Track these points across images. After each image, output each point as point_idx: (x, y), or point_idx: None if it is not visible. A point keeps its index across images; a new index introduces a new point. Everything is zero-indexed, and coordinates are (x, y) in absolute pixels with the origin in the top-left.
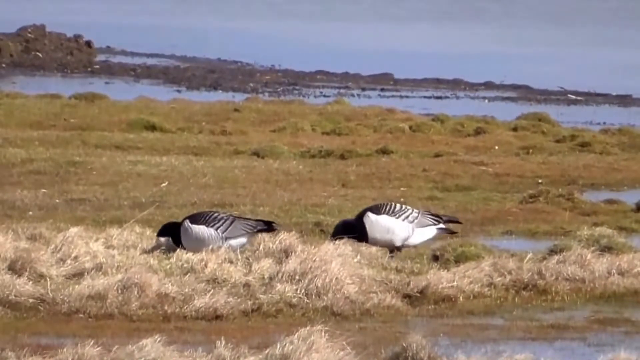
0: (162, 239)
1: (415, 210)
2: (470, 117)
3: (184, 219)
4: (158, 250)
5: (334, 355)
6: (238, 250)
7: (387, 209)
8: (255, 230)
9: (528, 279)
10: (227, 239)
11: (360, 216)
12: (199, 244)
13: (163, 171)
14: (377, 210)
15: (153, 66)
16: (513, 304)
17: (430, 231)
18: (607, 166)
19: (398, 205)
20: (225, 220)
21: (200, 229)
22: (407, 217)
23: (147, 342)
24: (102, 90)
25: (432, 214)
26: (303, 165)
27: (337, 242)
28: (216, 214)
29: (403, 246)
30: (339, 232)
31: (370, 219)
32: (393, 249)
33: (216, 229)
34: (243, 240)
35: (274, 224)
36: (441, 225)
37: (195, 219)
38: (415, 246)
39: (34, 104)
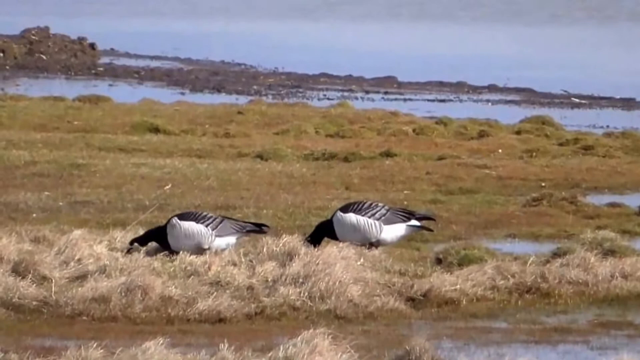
0: (142, 248)
1: (385, 207)
2: (473, 120)
3: (171, 217)
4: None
5: (337, 358)
6: (241, 253)
7: (355, 207)
8: (245, 231)
9: (531, 282)
10: (216, 236)
11: (332, 215)
12: (187, 241)
13: (166, 174)
14: (345, 209)
15: (157, 68)
16: (516, 307)
17: (400, 228)
18: (611, 169)
19: (367, 203)
20: (215, 219)
21: (189, 225)
22: (374, 214)
23: (150, 345)
24: (106, 93)
25: (404, 211)
26: (306, 168)
27: (310, 242)
28: (205, 213)
29: (378, 243)
30: (315, 232)
31: (338, 217)
32: (369, 245)
33: (206, 226)
34: (232, 240)
35: (264, 226)
36: (413, 222)
37: (184, 216)
38: (389, 243)
39: (37, 106)
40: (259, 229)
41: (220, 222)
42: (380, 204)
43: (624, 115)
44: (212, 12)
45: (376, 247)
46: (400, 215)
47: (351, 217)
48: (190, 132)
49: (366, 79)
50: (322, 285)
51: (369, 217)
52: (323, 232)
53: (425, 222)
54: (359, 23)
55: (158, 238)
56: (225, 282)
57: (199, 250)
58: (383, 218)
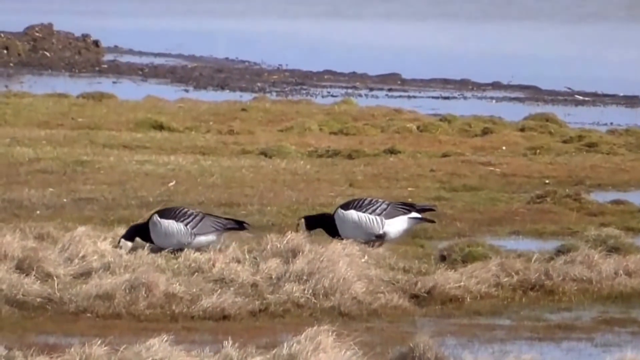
0: (129, 243)
1: (385, 202)
2: (477, 118)
3: (153, 213)
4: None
5: (341, 355)
6: (245, 250)
7: (356, 204)
8: (225, 228)
9: (535, 280)
10: (196, 235)
11: (334, 212)
12: (168, 239)
13: (170, 171)
14: (346, 206)
15: (161, 65)
16: (520, 304)
17: (402, 221)
18: (614, 167)
19: (367, 200)
20: (195, 216)
21: (169, 224)
22: (374, 210)
23: (154, 342)
24: (110, 90)
25: (403, 204)
26: (310, 165)
27: (306, 224)
28: (186, 210)
29: (382, 238)
30: (316, 218)
31: (339, 214)
32: (372, 241)
33: (185, 225)
34: (212, 237)
35: (244, 223)
36: (414, 214)
37: (165, 213)
38: (393, 237)
39: (41, 103)
40: (239, 226)
41: (201, 220)
42: (380, 200)
43: (628, 113)
44: (216, 9)
45: (380, 242)
46: (401, 208)
47: (352, 214)
48: (194, 129)
49: (370, 76)
50: (326, 283)
51: (370, 213)
52: (322, 224)
53: (426, 214)
54: (363, 21)
55: (142, 234)
56: (229, 279)
57: (180, 247)
58: (384, 212)
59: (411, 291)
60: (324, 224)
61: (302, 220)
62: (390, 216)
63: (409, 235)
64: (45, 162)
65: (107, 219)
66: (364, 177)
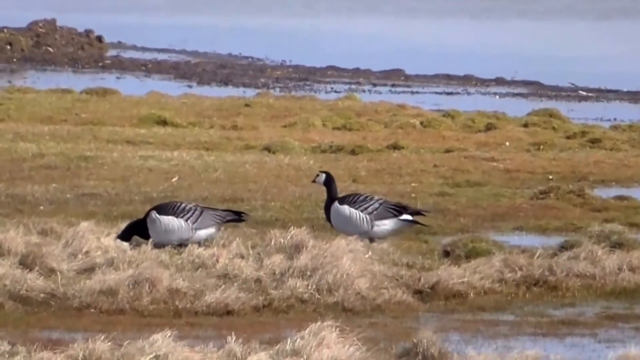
0: (126, 244)
1: (378, 201)
2: (481, 113)
3: (150, 210)
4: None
5: (344, 350)
6: (249, 246)
7: (351, 199)
8: (225, 220)
9: (539, 275)
10: (196, 230)
11: (337, 199)
12: (168, 235)
13: (174, 166)
14: (342, 199)
15: (164, 61)
16: (524, 300)
17: (391, 223)
18: (618, 162)
19: (362, 196)
20: (194, 211)
21: (169, 220)
22: (365, 208)
23: (158, 338)
24: (113, 85)
25: (395, 205)
26: (314, 161)
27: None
28: (184, 205)
29: (369, 237)
30: (330, 186)
31: (335, 207)
32: (361, 237)
33: (186, 220)
34: (212, 230)
35: (242, 214)
36: (405, 217)
37: (163, 209)
38: (381, 237)
39: (45, 98)
40: (238, 217)
41: (200, 214)
42: (375, 198)
43: (631, 108)
44: (219, 5)
45: (369, 240)
46: (392, 210)
47: (345, 209)
48: (197, 124)
49: (373, 71)
50: (330, 278)
51: (362, 211)
52: (329, 197)
53: (420, 218)
54: (365, 16)
55: (139, 231)
56: (233, 274)
57: (180, 243)
58: (375, 212)
59: (415, 287)
60: (329, 199)
61: (324, 174)
62: (380, 217)
63: (413, 230)
64: (49, 157)
65: (111, 215)
66: (367, 172)
